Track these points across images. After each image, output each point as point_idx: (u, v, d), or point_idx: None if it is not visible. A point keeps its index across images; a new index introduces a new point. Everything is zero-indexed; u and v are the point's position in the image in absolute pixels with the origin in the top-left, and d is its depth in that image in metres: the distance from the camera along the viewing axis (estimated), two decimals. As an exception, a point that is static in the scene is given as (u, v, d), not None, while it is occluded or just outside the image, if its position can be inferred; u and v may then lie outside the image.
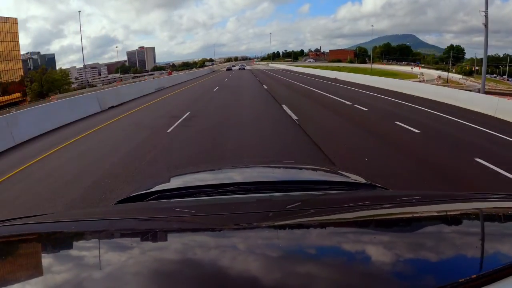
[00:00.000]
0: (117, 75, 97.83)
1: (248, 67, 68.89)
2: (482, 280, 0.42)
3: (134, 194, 1.19)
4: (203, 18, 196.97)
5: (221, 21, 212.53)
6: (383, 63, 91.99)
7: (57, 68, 73.25)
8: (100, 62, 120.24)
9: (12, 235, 0.74)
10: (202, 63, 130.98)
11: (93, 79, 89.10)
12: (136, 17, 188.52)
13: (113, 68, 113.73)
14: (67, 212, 1.59)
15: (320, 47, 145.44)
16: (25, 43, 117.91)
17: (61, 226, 0.80)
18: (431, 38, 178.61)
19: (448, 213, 0.77)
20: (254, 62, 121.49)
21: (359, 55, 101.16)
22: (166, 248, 0.60)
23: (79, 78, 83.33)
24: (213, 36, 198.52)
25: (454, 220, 0.72)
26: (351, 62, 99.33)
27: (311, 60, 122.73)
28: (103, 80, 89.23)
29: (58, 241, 0.71)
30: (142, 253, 0.58)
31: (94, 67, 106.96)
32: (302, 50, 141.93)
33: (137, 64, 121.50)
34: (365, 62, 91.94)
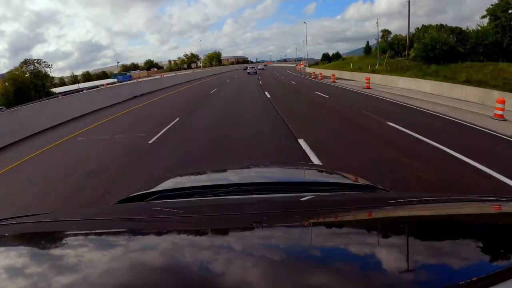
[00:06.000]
0: None
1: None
2: (483, 283, 0.42)
3: (134, 194, 1.20)
4: (197, 20, 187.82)
5: (218, 21, 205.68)
6: None
7: None
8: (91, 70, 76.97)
9: (11, 235, 0.74)
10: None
11: None
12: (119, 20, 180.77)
13: None
14: (66, 212, 1.63)
15: None
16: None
17: (61, 226, 0.80)
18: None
19: (449, 215, 0.77)
20: (302, 67, 51.33)
21: None
22: (165, 249, 0.60)
23: None
24: (209, 39, 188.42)
25: (455, 222, 0.71)
26: None
27: None
28: None
29: (57, 240, 0.70)
30: (142, 253, 0.58)
31: None
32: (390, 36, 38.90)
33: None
34: None
